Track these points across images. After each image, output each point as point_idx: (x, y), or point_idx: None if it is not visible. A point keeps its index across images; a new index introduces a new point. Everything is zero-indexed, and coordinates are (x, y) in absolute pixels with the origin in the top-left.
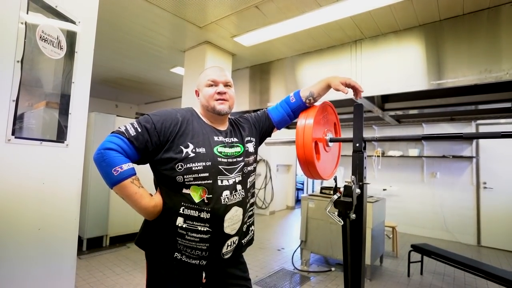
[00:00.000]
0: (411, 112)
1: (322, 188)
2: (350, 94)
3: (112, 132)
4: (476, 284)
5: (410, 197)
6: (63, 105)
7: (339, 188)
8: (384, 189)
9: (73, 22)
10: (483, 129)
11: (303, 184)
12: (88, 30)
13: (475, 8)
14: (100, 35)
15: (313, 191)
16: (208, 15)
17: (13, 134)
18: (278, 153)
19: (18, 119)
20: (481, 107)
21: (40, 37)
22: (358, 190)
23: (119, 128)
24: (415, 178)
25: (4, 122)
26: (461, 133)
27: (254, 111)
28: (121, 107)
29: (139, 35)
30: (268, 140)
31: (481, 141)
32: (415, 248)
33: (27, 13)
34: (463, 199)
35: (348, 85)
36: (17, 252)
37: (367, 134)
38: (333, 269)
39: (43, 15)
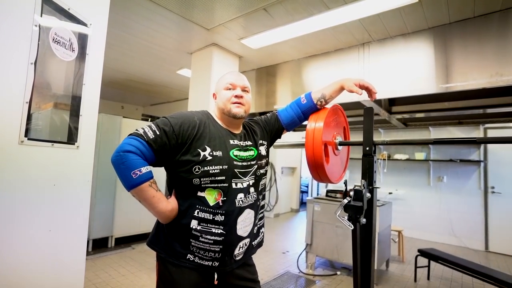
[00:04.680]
0: (418, 115)
1: (328, 191)
2: (354, 95)
3: (130, 135)
4: None
5: (416, 201)
6: (74, 106)
7: (349, 192)
8: (390, 193)
9: (85, 25)
10: (491, 133)
11: (307, 187)
12: (99, 32)
13: (486, 11)
14: (107, 36)
15: (318, 194)
16: (216, 17)
17: (26, 135)
18: (283, 155)
19: (31, 120)
20: (489, 110)
21: (53, 39)
22: (368, 194)
23: (136, 130)
24: (422, 182)
25: (18, 123)
26: (475, 138)
27: (260, 113)
28: (126, 108)
29: (145, 37)
30: (277, 142)
31: (489, 145)
32: (422, 253)
33: (41, 16)
34: (471, 204)
35: (362, 87)
36: (28, 253)
37: (373, 137)
38: (338, 273)
39: (56, 18)
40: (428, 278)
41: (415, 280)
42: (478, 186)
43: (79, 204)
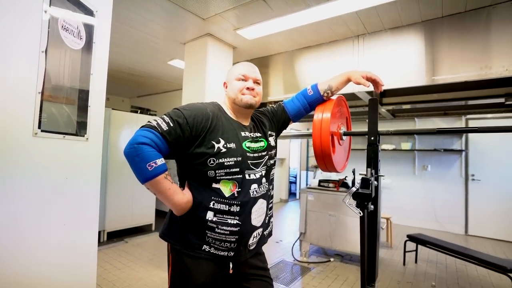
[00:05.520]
0: (405, 106)
1: (320, 181)
2: (350, 86)
3: (143, 126)
4: (466, 270)
5: (402, 189)
6: (83, 97)
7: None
8: None
9: (91, 12)
10: (472, 123)
11: (295, 177)
12: (105, 19)
13: (476, 6)
14: None
15: (307, 185)
16: (213, 7)
17: (39, 127)
18: None
19: (43, 112)
20: (470, 102)
21: (62, 27)
22: (375, 182)
23: (149, 122)
24: (407, 171)
25: (31, 115)
26: (476, 127)
27: None
28: (112, 100)
29: (136, 25)
30: (284, 133)
31: (470, 134)
32: (411, 238)
33: (50, 2)
34: (453, 191)
35: (369, 79)
36: (43, 252)
37: (362, 127)
38: (332, 259)
39: (65, 4)
40: (416, 262)
41: (404, 264)
42: (460, 174)
43: (90, 197)
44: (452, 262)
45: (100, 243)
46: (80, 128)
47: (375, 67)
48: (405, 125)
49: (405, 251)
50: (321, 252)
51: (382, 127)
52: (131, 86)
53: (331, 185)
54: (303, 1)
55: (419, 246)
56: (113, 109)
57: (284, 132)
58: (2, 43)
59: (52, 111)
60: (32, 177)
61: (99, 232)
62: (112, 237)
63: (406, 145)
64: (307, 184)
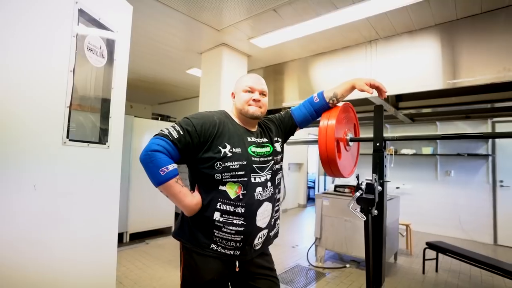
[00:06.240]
0: (425, 110)
1: (336, 186)
2: (361, 93)
3: (156, 135)
4: (493, 282)
5: (423, 195)
6: (105, 109)
7: (361, 185)
8: (397, 187)
9: (112, 33)
10: (499, 127)
11: (314, 182)
12: (124, 39)
13: (493, 7)
14: None
15: (325, 190)
16: (226, 19)
17: (67, 137)
18: (289, 151)
19: (70, 123)
20: (497, 105)
21: (87, 48)
22: (379, 188)
23: (161, 131)
24: (429, 177)
25: (61, 126)
26: (481, 133)
27: (269, 111)
28: (135, 107)
29: (156, 38)
30: (291, 139)
31: (498, 139)
32: (430, 245)
33: (78, 24)
34: (479, 198)
35: (372, 86)
36: (65, 249)
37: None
38: (347, 265)
39: (89, 28)
40: (436, 270)
41: (423, 272)
42: (486, 180)
43: (111, 200)
44: (477, 272)
45: (123, 243)
46: (103, 135)
47: (389, 72)
48: (425, 129)
49: (424, 259)
50: (337, 258)
51: (401, 131)
52: (152, 94)
53: (346, 190)
54: (312, 9)
55: (441, 255)
56: (135, 116)
57: (292, 138)
58: (38, 64)
59: (80, 119)
60: (59, 181)
61: (122, 233)
62: (134, 238)
63: (427, 149)
64: (325, 189)
